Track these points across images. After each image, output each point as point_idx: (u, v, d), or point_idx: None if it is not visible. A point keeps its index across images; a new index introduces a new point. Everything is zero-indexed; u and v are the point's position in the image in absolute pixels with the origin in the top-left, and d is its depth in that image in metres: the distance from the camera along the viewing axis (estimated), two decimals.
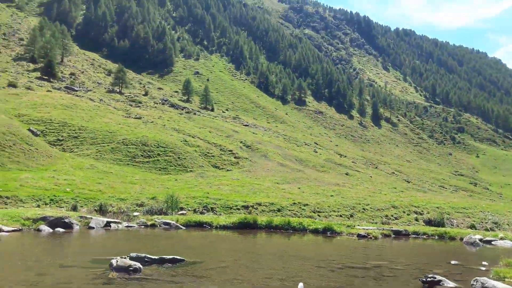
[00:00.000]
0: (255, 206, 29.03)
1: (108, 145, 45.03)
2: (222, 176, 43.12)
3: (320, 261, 11.54)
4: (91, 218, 18.72)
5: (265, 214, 27.47)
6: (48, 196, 24.81)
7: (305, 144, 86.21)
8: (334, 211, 31.16)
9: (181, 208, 25.51)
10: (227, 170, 49.19)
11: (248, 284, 8.28)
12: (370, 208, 32.81)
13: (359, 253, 14.67)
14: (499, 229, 29.26)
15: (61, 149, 42.11)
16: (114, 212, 22.72)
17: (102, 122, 51.23)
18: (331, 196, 36.74)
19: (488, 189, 67.04)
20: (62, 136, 45.01)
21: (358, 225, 22.50)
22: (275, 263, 11.03)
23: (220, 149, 56.23)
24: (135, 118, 59.04)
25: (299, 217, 27.52)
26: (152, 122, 59.63)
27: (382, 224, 27.51)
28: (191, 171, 45.80)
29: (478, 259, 12.98)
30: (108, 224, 18.30)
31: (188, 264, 10.28)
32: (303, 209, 30.03)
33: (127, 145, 45.91)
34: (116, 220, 19.41)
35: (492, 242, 18.55)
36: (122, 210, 23.24)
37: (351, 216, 30.80)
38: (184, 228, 20.10)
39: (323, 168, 64.32)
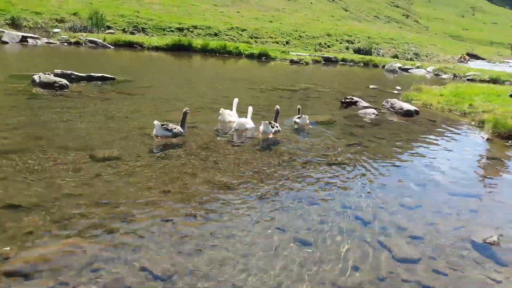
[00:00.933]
0: (190, 29, 27.82)
1: None
2: None
3: (252, 83, 12.15)
4: (3, 31, 16.86)
5: (201, 37, 26.70)
6: None
7: None
8: (271, 37, 31.09)
9: (108, 27, 23.66)
10: None
11: (180, 102, 8.61)
12: (306, 35, 33.12)
13: (290, 77, 15.54)
14: (418, 60, 31.85)
15: None
16: (30, 27, 20.48)
17: None
18: (270, 22, 35.95)
19: (417, 22, 69.34)
20: None
21: (292, 52, 23.09)
22: (208, 84, 11.42)
23: None
24: None
25: (236, 42, 27.27)
26: None
27: (315, 51, 28.45)
28: None
29: (394, 84, 14.53)
30: (24, 39, 16.68)
31: (118, 82, 10.15)
32: (240, 35, 29.51)
33: None
34: (33, 36, 17.67)
35: (409, 70, 20.47)
36: (40, 26, 20.99)
37: (287, 43, 31.13)
38: (113, 47, 19.15)
39: None
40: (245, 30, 30.39)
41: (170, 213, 3.84)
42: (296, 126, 7.36)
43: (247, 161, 5.39)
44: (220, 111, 7.12)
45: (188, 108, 6.31)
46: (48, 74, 9.15)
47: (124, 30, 24.73)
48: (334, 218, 4.04)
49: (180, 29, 27.08)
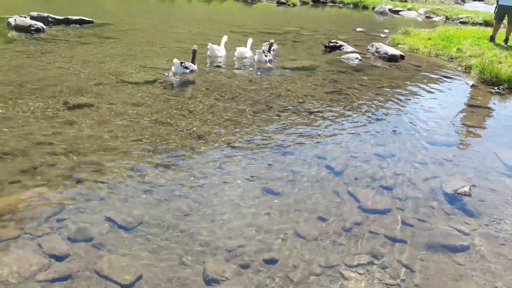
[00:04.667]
0: None
1: None
2: None
3: (235, 26, 11.54)
4: None
5: None
6: None
7: None
8: None
9: None
10: None
11: (161, 45, 8.23)
12: None
13: (275, 19, 14.82)
14: (413, 1, 30.56)
15: None
16: None
17: None
18: None
19: None
20: None
21: None
22: (190, 27, 10.83)
23: None
24: None
25: None
26: None
27: None
28: None
29: (382, 27, 13.95)
30: None
31: (97, 26, 9.70)
32: None
33: None
34: None
35: (400, 12, 19.65)
36: None
37: None
38: None
39: None
40: None
41: (139, 163, 3.75)
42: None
43: (223, 108, 5.21)
44: (208, 46, 7.39)
45: (196, 46, 6.72)
46: (24, 17, 8.77)
47: None
48: (306, 168, 3.94)
49: None
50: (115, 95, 5.30)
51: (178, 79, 6.23)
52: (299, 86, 6.41)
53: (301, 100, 5.77)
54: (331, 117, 5.26)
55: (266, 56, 7.64)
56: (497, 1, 9.85)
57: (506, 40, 9.92)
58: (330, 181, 3.75)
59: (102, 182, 3.37)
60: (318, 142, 4.54)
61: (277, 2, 19.11)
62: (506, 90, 7.06)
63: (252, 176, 3.69)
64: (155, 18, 12.24)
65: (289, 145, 4.38)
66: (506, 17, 9.81)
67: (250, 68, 7.47)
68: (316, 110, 5.45)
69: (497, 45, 9.80)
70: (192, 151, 4.06)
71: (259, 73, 7.03)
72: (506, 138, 5.13)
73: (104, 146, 3.96)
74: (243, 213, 3.16)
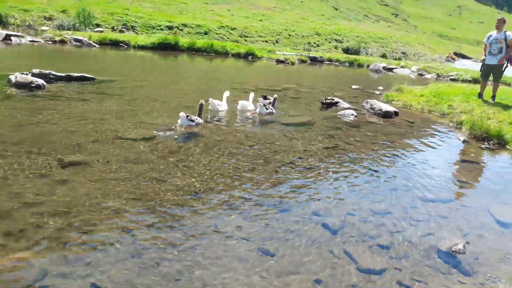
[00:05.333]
0: (180, 27, 27.63)
1: None
2: None
3: (236, 83, 12.05)
4: None
5: (191, 36, 26.52)
6: None
7: None
8: (261, 36, 31.01)
9: (97, 25, 23.41)
10: None
11: (162, 101, 8.48)
12: (296, 34, 33.08)
13: (274, 76, 15.47)
14: (406, 59, 31.98)
15: None
16: (18, 25, 20.25)
17: None
18: (260, 20, 35.86)
19: (406, 20, 69.78)
20: None
21: (278, 51, 23.03)
22: (192, 84, 11.29)
23: None
24: None
25: (226, 41, 27.14)
26: None
27: (304, 50, 28.42)
28: None
29: (376, 85, 14.53)
30: (8, 37, 16.45)
31: (98, 82, 9.92)
32: (230, 33, 29.38)
33: None
34: (18, 34, 17.43)
35: (393, 70, 20.51)
36: (28, 24, 20.76)
37: (277, 42, 31.07)
38: (98, 46, 18.91)
39: None
40: (235, 29, 30.27)
41: (131, 223, 3.73)
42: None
43: (221, 164, 5.30)
44: (209, 101, 7.70)
45: (203, 100, 7.14)
46: (26, 74, 8.95)
47: (113, 28, 24.46)
48: (302, 226, 3.97)
49: (170, 27, 26.87)
50: (111, 152, 5.32)
51: (183, 132, 6.41)
52: (297, 141, 6.61)
53: (299, 156, 5.92)
54: (328, 173, 5.38)
55: (267, 109, 8.21)
56: (483, 60, 10.41)
57: (493, 97, 10.35)
58: (327, 240, 3.77)
59: (90, 245, 3.30)
60: (315, 198, 4.62)
61: (277, 61, 20.03)
62: (496, 145, 7.27)
63: (248, 236, 3.70)
64: (158, 75, 12.71)
65: (287, 202, 4.45)
66: (491, 75, 10.34)
67: (251, 122, 7.71)
68: (313, 165, 5.59)
69: (485, 101, 10.21)
70: (188, 210, 4.07)
71: (258, 128, 7.25)
72: (497, 193, 5.22)
73: (96, 206, 3.93)
74: (237, 277, 3.13)
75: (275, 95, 8.80)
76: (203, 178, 4.84)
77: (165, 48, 20.20)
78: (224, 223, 3.90)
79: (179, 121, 6.64)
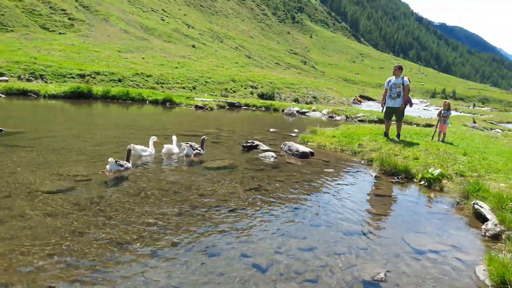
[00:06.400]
0: (93, 75, 26.70)
1: None
2: (53, 40, 37.42)
3: (154, 130, 11.84)
4: None
5: (105, 84, 25.73)
6: None
7: (152, 10, 79.41)
8: (178, 83, 31.23)
9: (2, 74, 21.68)
10: (60, 33, 42.76)
11: (78, 152, 8.02)
12: (212, 81, 33.96)
13: (194, 122, 15.56)
14: (317, 103, 34.50)
15: None
16: None
17: None
18: (176, 68, 36.27)
19: (314, 67, 75.98)
20: None
21: (197, 97, 23.36)
22: (107, 132, 10.83)
23: (50, 7, 47.49)
24: None
25: (141, 88, 26.79)
26: None
27: (222, 96, 29.19)
28: (12, 31, 38.44)
29: (292, 127, 15.37)
30: None
31: (7, 134, 9.25)
32: (146, 80, 29.12)
33: None
34: None
35: (306, 113, 21.96)
36: None
37: (194, 88, 31.52)
38: (4, 96, 17.51)
39: (170, 38, 61.60)
40: (150, 76, 30.12)
41: (52, 281, 3.44)
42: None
43: (146, 212, 5.13)
44: (131, 147, 7.35)
45: (132, 145, 7.29)
46: None
47: (19, 77, 22.82)
48: (232, 269, 3.95)
49: (82, 76, 25.83)
50: (27, 207, 4.95)
51: (105, 179, 6.08)
52: (221, 184, 6.63)
53: (224, 199, 5.93)
54: (253, 214, 5.45)
55: (194, 149, 8.42)
56: (384, 103, 11.65)
57: (398, 135, 11.53)
58: (257, 280, 3.79)
59: None
60: (243, 240, 4.63)
61: (196, 107, 20.23)
62: (404, 179, 8.04)
63: (180, 284, 3.60)
64: (72, 124, 12.07)
65: (215, 246, 4.40)
66: (394, 116, 11.58)
67: (177, 166, 7.70)
68: (238, 207, 5.62)
69: (391, 139, 11.32)
70: (113, 262, 3.87)
71: (183, 172, 7.16)
72: (409, 223, 5.72)
73: (13, 267, 3.61)
74: None
75: (204, 136, 9.01)
76: (128, 228, 4.64)
77: (78, 96, 19.30)
78: (152, 272, 3.75)
79: (107, 166, 6.58)
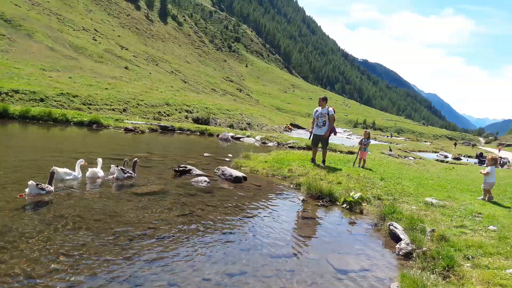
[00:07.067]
0: (10, 94, 24.73)
1: None
2: None
3: (78, 153, 11.19)
4: None
5: (24, 103, 23.89)
6: None
7: (83, 29, 76.39)
8: (107, 104, 30.04)
9: None
10: None
11: None
12: (145, 104, 33.19)
13: (123, 145, 14.97)
14: (251, 129, 35.15)
15: None
16: None
17: None
18: (106, 89, 34.93)
19: (249, 95, 78.01)
20: None
21: (127, 120, 22.62)
22: (25, 155, 10.01)
23: None
24: None
25: (66, 108, 25.32)
26: None
27: (154, 119, 28.56)
28: None
29: (226, 152, 15.47)
30: None
31: None
32: (72, 101, 27.61)
33: None
34: None
35: (241, 139, 22.28)
36: None
37: (124, 110, 30.50)
38: None
39: (101, 58, 59.48)
40: (77, 96, 28.65)
41: None
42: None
43: (63, 241, 4.79)
44: (54, 169, 6.96)
45: (55, 167, 7.02)
46: None
47: None
48: None
49: None
50: None
51: (22, 204, 5.54)
52: (150, 211, 6.42)
53: (152, 226, 5.73)
54: (182, 241, 5.34)
55: (125, 172, 8.32)
56: (311, 132, 12.34)
57: (323, 161, 12.20)
58: None
59: None
60: (171, 269, 4.50)
61: (125, 129, 19.53)
62: (329, 202, 8.45)
63: None
64: None
65: (141, 276, 4.22)
66: (320, 143, 12.27)
67: (102, 191, 7.29)
68: (167, 235, 5.47)
69: (318, 165, 11.93)
70: None
71: (108, 198, 6.80)
72: (332, 244, 6.00)
73: None
74: None
75: (136, 159, 8.93)
76: (41, 259, 4.29)
77: None
78: None
79: (27, 190, 6.28)
